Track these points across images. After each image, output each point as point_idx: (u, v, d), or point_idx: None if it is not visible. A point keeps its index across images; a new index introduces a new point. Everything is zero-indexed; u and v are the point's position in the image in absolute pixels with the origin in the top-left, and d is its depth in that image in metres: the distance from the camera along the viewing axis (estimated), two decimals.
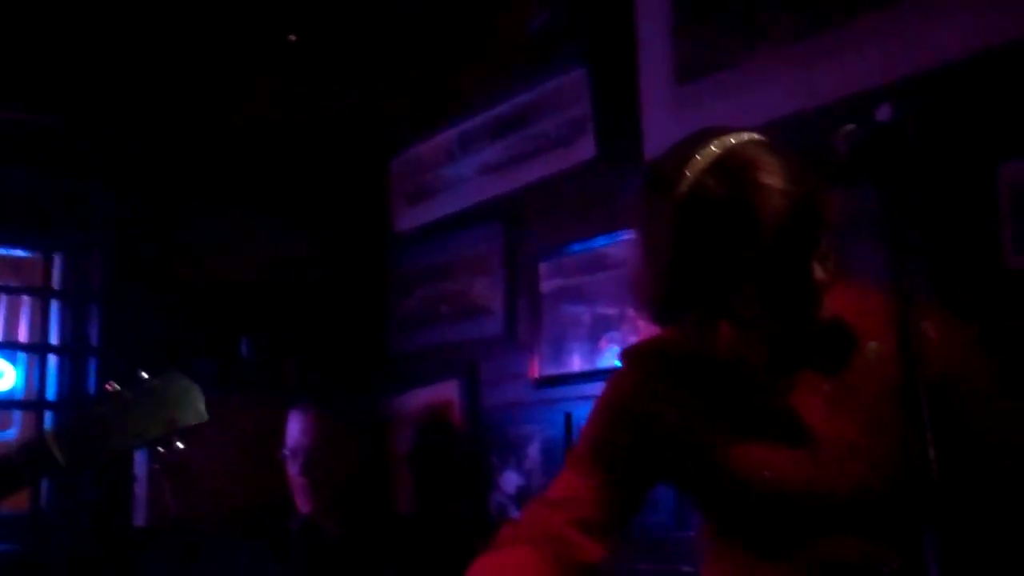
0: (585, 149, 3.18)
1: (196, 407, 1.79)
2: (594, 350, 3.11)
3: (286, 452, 2.87)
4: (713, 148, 1.41)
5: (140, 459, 3.43)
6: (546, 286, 3.29)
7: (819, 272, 1.43)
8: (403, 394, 3.75)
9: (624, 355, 1.68)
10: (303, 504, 2.82)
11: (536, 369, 3.28)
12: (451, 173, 3.75)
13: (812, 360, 1.54)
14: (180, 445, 1.78)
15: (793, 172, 1.38)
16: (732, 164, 1.39)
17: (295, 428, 2.87)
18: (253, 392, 3.65)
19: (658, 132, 2.92)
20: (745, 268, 1.40)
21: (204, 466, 3.44)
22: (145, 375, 1.78)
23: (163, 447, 1.77)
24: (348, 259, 4.04)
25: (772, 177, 1.37)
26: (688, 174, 1.40)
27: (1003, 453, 1.52)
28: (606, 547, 1.58)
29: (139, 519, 3.44)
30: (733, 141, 1.42)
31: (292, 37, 3.69)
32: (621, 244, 3.04)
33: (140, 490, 3.43)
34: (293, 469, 2.85)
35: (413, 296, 3.88)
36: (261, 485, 3.38)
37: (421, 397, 3.69)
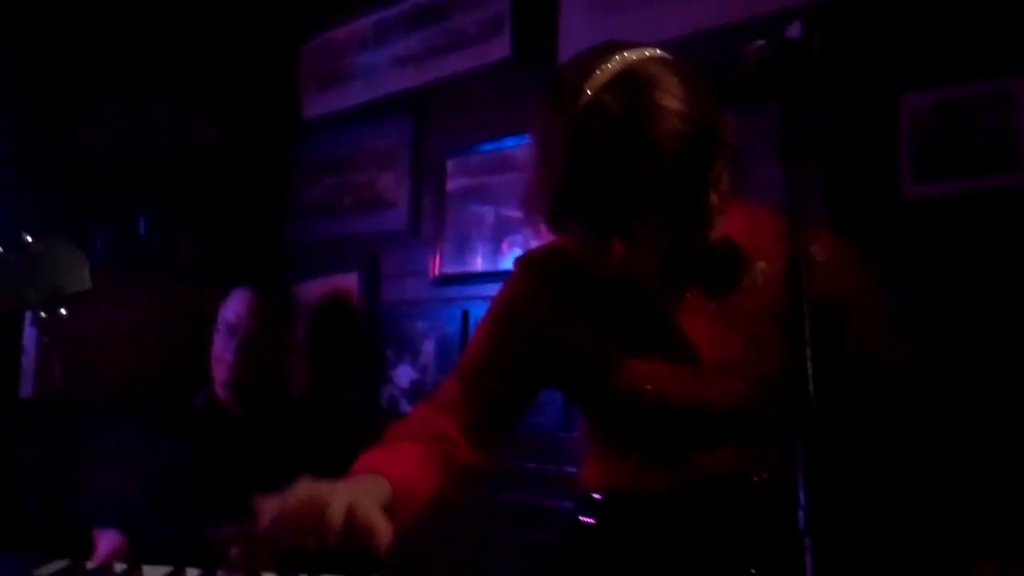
0: (500, 48, 3.15)
1: (80, 274, 1.73)
2: (496, 251, 3.12)
3: (220, 327, 2.84)
4: (614, 63, 1.40)
5: (29, 330, 3.37)
6: (452, 184, 3.28)
7: (712, 195, 1.44)
8: (302, 283, 3.71)
9: (518, 262, 1.68)
10: (224, 380, 2.81)
11: (437, 266, 3.28)
12: (364, 62, 3.68)
13: (701, 280, 1.56)
14: (64, 313, 1.73)
15: (692, 94, 1.37)
16: (632, 81, 1.38)
17: (238, 306, 2.84)
18: (149, 270, 3.59)
19: (574, 36, 2.90)
20: (637, 187, 1.40)
21: (96, 340, 3.38)
22: (29, 238, 1.72)
23: (45, 312, 1.72)
24: (254, 143, 3.96)
25: (670, 98, 1.36)
26: (587, 88, 1.39)
27: (879, 375, 1.57)
28: (490, 451, 1.61)
29: (25, 390, 3.38)
30: (635, 58, 1.40)
31: None
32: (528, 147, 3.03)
33: (28, 361, 3.37)
34: (225, 345, 2.82)
35: (317, 185, 3.83)
36: (156, 362, 3.35)
37: (320, 287, 3.67)
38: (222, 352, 2.81)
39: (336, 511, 1.18)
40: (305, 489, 1.20)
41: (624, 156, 1.38)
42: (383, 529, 1.22)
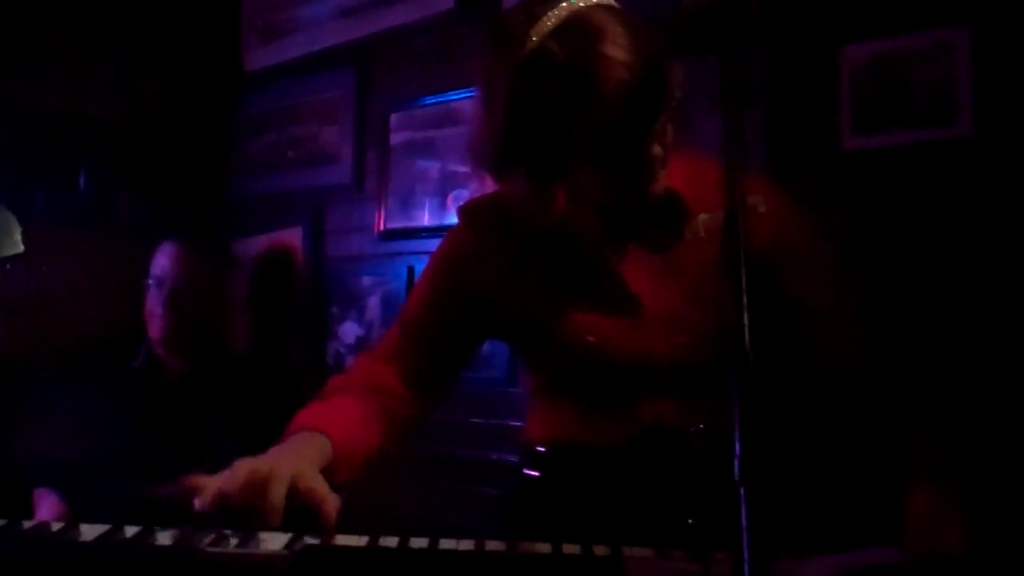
0: (443, 0, 3.10)
1: (12, 237, 1.70)
2: (442, 205, 3.10)
3: (150, 281, 2.80)
4: (561, 10, 1.38)
5: None
6: (396, 138, 3.25)
7: (656, 147, 1.43)
8: (246, 238, 3.66)
9: (461, 211, 1.66)
10: (157, 335, 2.78)
11: (382, 221, 3.25)
12: (306, 13, 3.61)
13: (643, 233, 1.55)
14: None
15: (638, 44, 1.36)
16: (577, 29, 1.37)
17: (164, 259, 2.81)
18: (89, 227, 3.53)
19: None
20: (580, 137, 1.39)
21: (36, 300, 3.33)
22: None
23: None
24: (195, 96, 3.88)
25: (616, 48, 1.35)
26: (532, 35, 1.37)
27: (820, 325, 1.58)
28: (433, 402, 1.60)
29: None
30: (582, 4, 1.39)
31: None
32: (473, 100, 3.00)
33: None
34: (155, 299, 2.79)
35: (260, 139, 3.77)
36: (97, 321, 3.30)
37: (263, 242, 3.63)
38: (153, 307, 2.78)
39: (277, 491, 1.16)
40: (244, 469, 1.18)
41: (568, 106, 1.37)
42: (329, 500, 1.20)
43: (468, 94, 3.02)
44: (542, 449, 1.63)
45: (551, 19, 1.37)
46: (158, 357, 2.81)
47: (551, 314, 1.54)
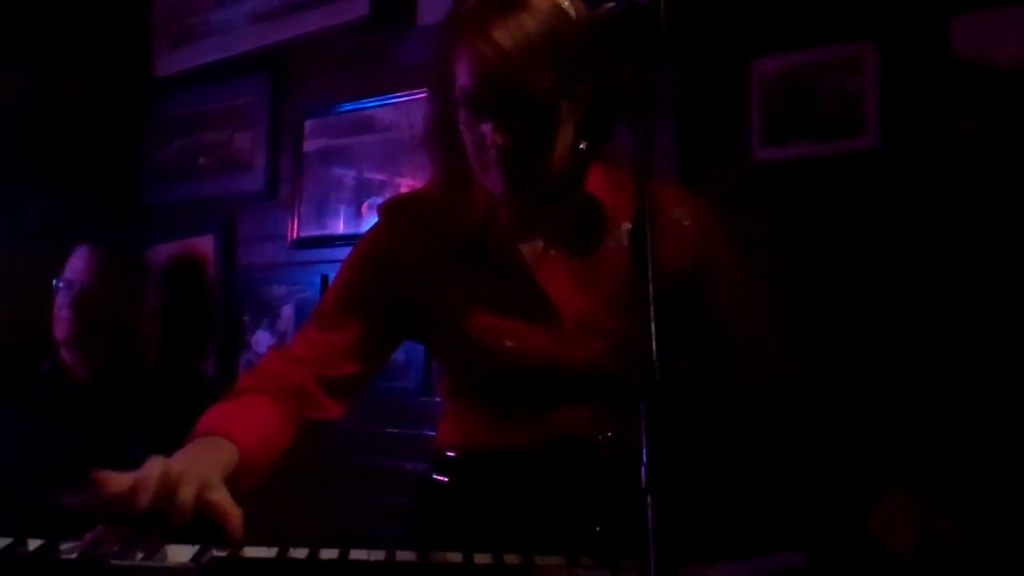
0: (359, 6, 3.08)
1: None
2: (357, 214, 3.08)
3: (60, 284, 2.75)
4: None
5: None
6: (311, 144, 3.22)
7: (564, 147, 1.44)
8: (156, 246, 3.60)
9: (382, 209, 1.64)
10: (62, 338, 2.73)
11: (295, 229, 3.22)
12: (219, 18, 3.56)
13: (563, 238, 1.56)
14: None
15: (528, 44, 1.37)
16: (491, 5, 1.40)
17: (78, 262, 2.76)
18: None
19: None
20: (459, 109, 1.43)
21: None
22: None
23: None
24: (105, 101, 3.80)
25: (504, 33, 1.37)
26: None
27: (738, 338, 1.60)
28: (345, 405, 1.57)
29: None
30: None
31: None
32: (391, 107, 3.00)
33: None
34: (62, 301, 2.74)
35: (171, 145, 3.70)
36: (4, 325, 3.22)
37: (175, 250, 3.56)
38: (59, 309, 2.74)
39: (187, 492, 1.13)
40: (156, 469, 1.15)
41: (451, 68, 1.43)
42: (233, 514, 1.18)
43: (384, 101, 3.01)
44: (452, 454, 1.63)
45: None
46: (64, 363, 2.76)
47: (468, 317, 1.53)
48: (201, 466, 1.21)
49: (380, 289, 1.58)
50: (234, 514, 1.17)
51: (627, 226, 1.53)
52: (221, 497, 1.18)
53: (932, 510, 1.30)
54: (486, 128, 1.41)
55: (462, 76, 1.41)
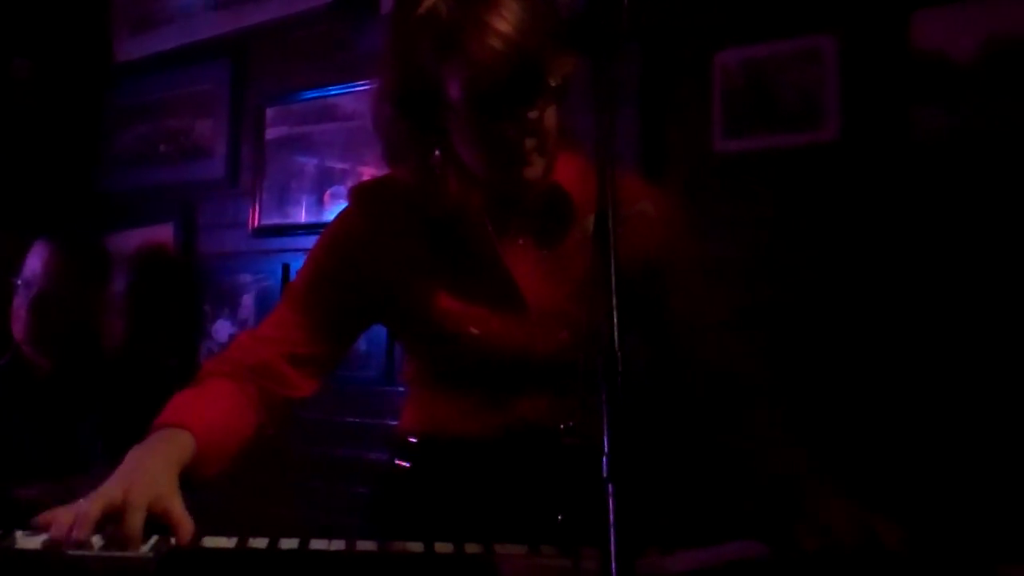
0: None
1: None
2: (318, 202, 3.07)
3: (19, 282, 2.72)
4: None
5: None
6: (272, 132, 3.20)
7: (529, 133, 1.43)
8: (117, 234, 3.55)
9: (353, 192, 1.63)
10: (21, 336, 2.70)
11: (256, 218, 3.20)
12: (181, 4, 3.54)
13: (531, 227, 1.56)
14: None
15: (528, 22, 1.37)
16: None
17: (35, 261, 2.73)
18: None
19: None
20: (455, 104, 1.40)
21: None
22: None
23: None
24: (64, 86, 3.75)
25: (500, 19, 1.35)
26: None
27: (698, 330, 1.61)
28: (314, 383, 1.56)
29: None
30: None
31: None
32: (353, 95, 2.98)
33: None
34: (21, 300, 2.71)
35: (131, 131, 3.67)
36: None
37: (136, 239, 3.53)
38: (17, 308, 2.71)
39: (134, 521, 1.13)
40: (98, 503, 1.14)
41: (441, 69, 1.38)
42: (183, 524, 1.17)
43: (346, 89, 3.00)
44: (413, 440, 1.63)
45: None
46: (25, 355, 2.73)
47: (434, 302, 1.53)
48: (148, 477, 1.20)
49: (350, 271, 1.57)
50: (184, 526, 1.17)
51: (592, 217, 1.53)
52: (172, 507, 1.18)
53: (864, 511, 1.32)
54: (508, 127, 1.40)
55: (463, 78, 1.37)
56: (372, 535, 1.29)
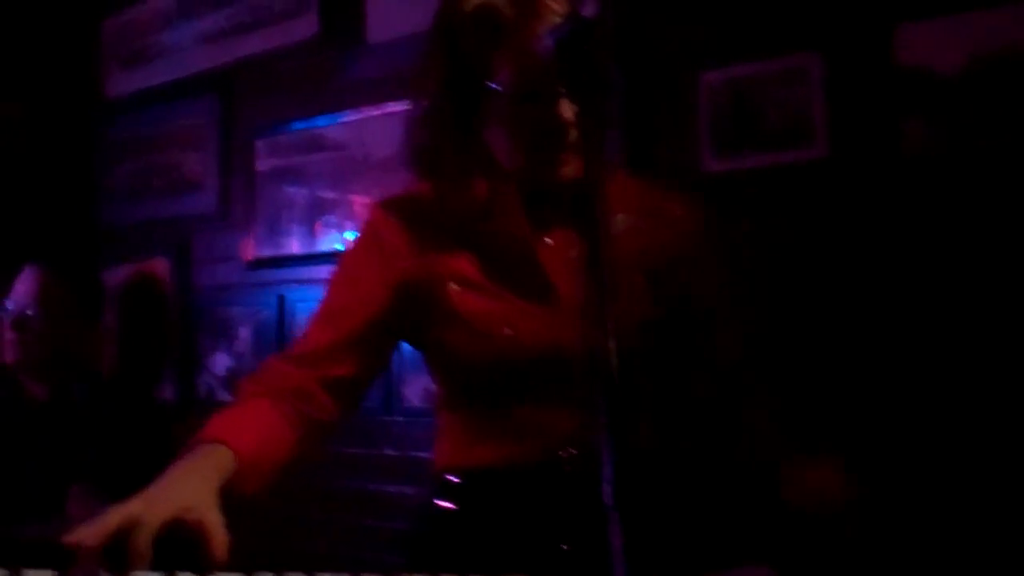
0: (308, 25, 3.09)
1: None
2: (310, 233, 3.07)
3: (9, 306, 2.73)
4: None
5: None
6: (262, 164, 3.21)
7: (570, 123, 1.44)
8: (113, 268, 3.55)
9: (377, 205, 1.63)
10: (10, 362, 2.71)
11: (250, 250, 3.20)
12: (168, 40, 3.55)
13: (563, 222, 1.54)
14: None
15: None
16: None
17: (21, 286, 2.74)
18: None
19: (380, 15, 2.89)
20: (504, 95, 1.44)
21: None
22: None
23: None
24: (56, 123, 3.76)
25: (556, 15, 1.39)
26: None
27: (714, 333, 1.62)
28: (347, 406, 1.54)
29: None
30: None
31: None
32: (341, 126, 2.99)
33: None
34: (6, 324, 2.73)
35: (123, 167, 3.69)
36: None
37: (130, 272, 3.54)
38: (4, 332, 2.72)
39: (143, 539, 1.11)
40: (114, 518, 1.13)
41: (493, 57, 1.44)
42: (218, 535, 1.15)
43: (334, 120, 3.01)
44: (455, 479, 1.59)
45: None
46: (20, 384, 2.74)
47: (466, 304, 1.51)
48: (183, 488, 1.19)
49: (376, 286, 1.55)
50: (218, 538, 1.15)
51: (621, 217, 1.52)
52: (207, 519, 1.16)
53: (834, 467, 1.33)
54: (552, 117, 1.43)
55: (516, 65, 1.42)
56: (417, 572, 1.27)
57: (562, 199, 1.53)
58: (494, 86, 1.44)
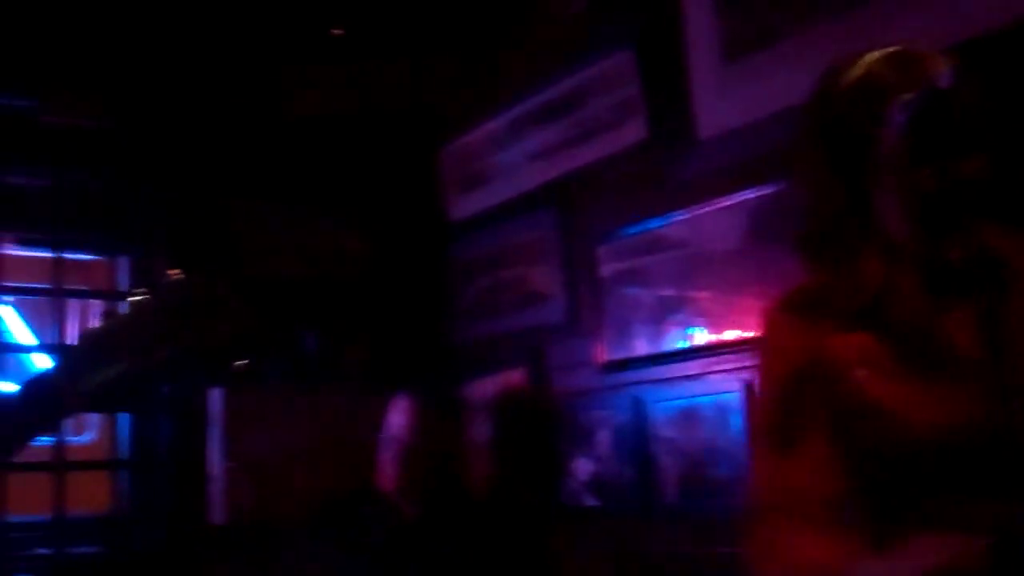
0: (636, 131, 3.16)
1: (239, 312, 1.51)
2: (659, 332, 3.09)
3: (385, 437, 2.93)
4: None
5: (215, 458, 3.50)
6: (605, 270, 3.28)
7: (965, 187, 1.34)
8: (471, 382, 3.74)
9: (779, 306, 1.59)
10: (391, 491, 2.89)
11: (602, 354, 3.27)
12: (502, 160, 3.75)
13: (966, 289, 1.44)
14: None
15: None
16: (903, 56, 1.42)
17: (397, 416, 2.93)
18: (320, 385, 3.70)
19: (709, 110, 2.89)
20: (889, 158, 1.38)
21: (277, 461, 3.49)
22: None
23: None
24: (404, 250, 4.05)
25: (941, 75, 1.37)
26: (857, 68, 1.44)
27: None
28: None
29: (217, 516, 3.50)
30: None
31: (337, 31, 3.71)
32: (678, 224, 3.01)
33: (216, 488, 3.50)
34: (387, 454, 2.91)
35: (473, 284, 3.89)
36: (333, 475, 3.43)
37: (488, 385, 3.69)
38: (384, 462, 2.88)
39: None
40: None
41: (876, 124, 1.38)
42: None
43: (671, 219, 3.03)
44: None
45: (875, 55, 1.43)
46: (397, 505, 2.89)
47: (882, 392, 1.44)
48: None
49: (811, 394, 1.50)
50: None
51: None
52: None
53: None
54: (941, 180, 1.34)
55: (900, 122, 1.36)
56: None
57: (962, 264, 1.43)
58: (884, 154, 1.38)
